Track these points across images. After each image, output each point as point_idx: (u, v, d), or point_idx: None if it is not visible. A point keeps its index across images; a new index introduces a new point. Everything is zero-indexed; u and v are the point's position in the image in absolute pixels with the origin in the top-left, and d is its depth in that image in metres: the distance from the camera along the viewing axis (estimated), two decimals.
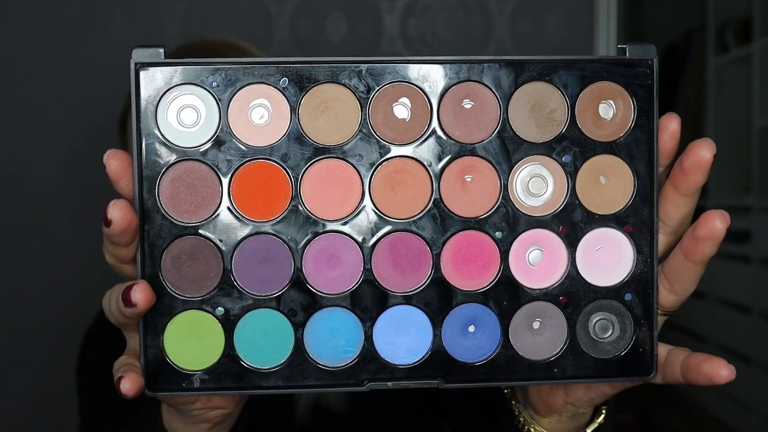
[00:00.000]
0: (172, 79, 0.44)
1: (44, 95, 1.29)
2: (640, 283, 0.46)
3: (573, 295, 0.46)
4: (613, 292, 0.46)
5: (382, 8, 1.10)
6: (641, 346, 0.46)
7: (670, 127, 0.45)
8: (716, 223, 0.43)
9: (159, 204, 0.44)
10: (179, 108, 0.44)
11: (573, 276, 0.46)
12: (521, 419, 0.55)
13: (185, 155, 0.44)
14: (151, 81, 0.44)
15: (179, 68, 0.44)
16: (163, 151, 0.44)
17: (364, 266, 0.45)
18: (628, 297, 0.46)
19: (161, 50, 0.44)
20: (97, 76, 1.11)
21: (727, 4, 2.74)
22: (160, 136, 0.44)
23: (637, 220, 0.46)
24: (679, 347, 0.48)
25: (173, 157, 0.44)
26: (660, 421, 2.70)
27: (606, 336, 0.46)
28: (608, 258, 0.46)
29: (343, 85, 0.44)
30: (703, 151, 0.43)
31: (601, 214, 0.46)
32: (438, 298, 0.45)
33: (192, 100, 0.44)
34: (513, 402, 0.56)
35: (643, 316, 0.46)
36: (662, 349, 0.48)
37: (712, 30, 2.78)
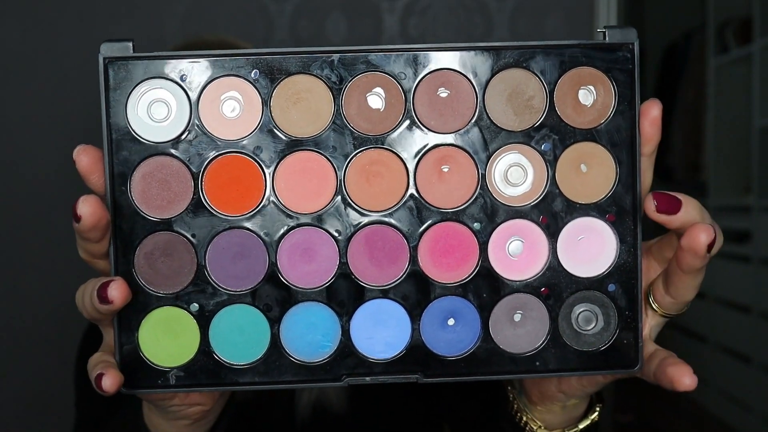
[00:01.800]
0: (141, 74, 0.41)
1: (45, 94, 1.28)
2: (624, 274, 0.43)
3: (555, 286, 0.43)
4: (596, 283, 0.43)
5: (382, 8, 1.08)
6: (626, 338, 0.43)
7: (651, 113, 0.42)
8: (701, 236, 0.40)
9: (131, 200, 0.42)
10: (149, 102, 0.42)
11: (554, 267, 0.43)
12: (515, 406, 0.52)
13: (157, 150, 0.42)
14: (120, 76, 0.41)
15: (148, 62, 0.41)
16: (134, 146, 0.42)
17: (339, 260, 0.43)
18: (611, 288, 0.43)
19: (129, 44, 0.41)
20: (98, 75, 1.09)
21: (727, 4, 2.69)
22: (131, 131, 0.42)
23: (619, 209, 0.43)
24: (666, 350, 0.45)
25: (145, 153, 0.42)
26: (660, 421, 2.64)
27: (589, 328, 0.44)
28: (590, 248, 0.43)
29: (315, 75, 0.42)
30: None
31: (583, 203, 0.43)
32: (416, 292, 0.43)
33: (162, 94, 0.42)
34: (509, 388, 0.53)
35: (628, 307, 0.43)
36: (650, 346, 0.45)
37: (712, 30, 2.73)
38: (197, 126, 0.42)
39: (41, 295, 1.33)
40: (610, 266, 0.43)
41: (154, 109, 0.42)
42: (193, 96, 0.41)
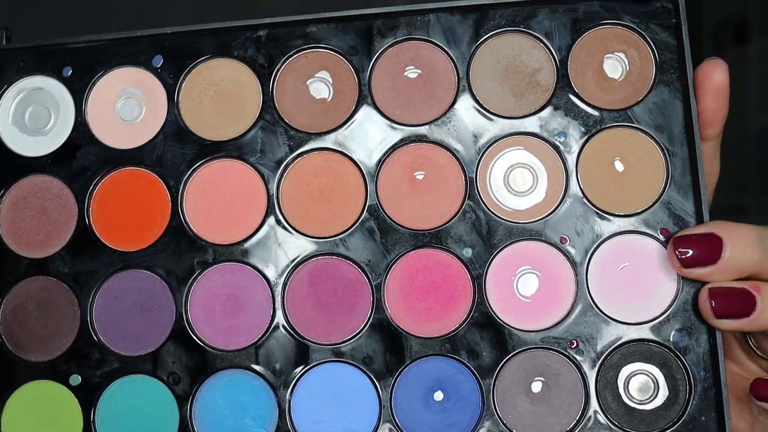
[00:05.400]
0: (14, 70, 0.32)
1: None
2: (694, 315, 0.29)
3: (589, 339, 0.30)
4: (652, 332, 0.30)
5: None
6: (704, 413, 0.29)
7: (713, 78, 0.29)
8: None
9: None
10: (26, 106, 0.32)
11: (586, 309, 0.30)
12: None
13: (31, 168, 0.32)
14: None
15: (22, 55, 0.32)
16: (2, 163, 0.32)
17: (273, 308, 0.31)
18: (676, 337, 0.29)
19: (2, 34, 0.33)
20: None
21: (723, 4, 2.63)
22: (1, 144, 0.32)
23: (676, 220, 0.30)
24: None
25: (16, 171, 0.32)
26: None
27: (646, 398, 0.29)
28: (639, 279, 0.30)
29: (237, 58, 0.32)
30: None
31: (622, 214, 0.30)
32: (384, 351, 0.30)
33: (41, 96, 0.32)
34: None
35: (703, 365, 0.29)
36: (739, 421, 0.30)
37: (707, 31, 2.66)
38: (83, 133, 0.32)
39: None
40: (670, 305, 0.29)
41: (31, 115, 0.32)
42: (80, 95, 0.32)
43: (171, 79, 0.31)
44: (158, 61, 0.31)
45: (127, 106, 0.31)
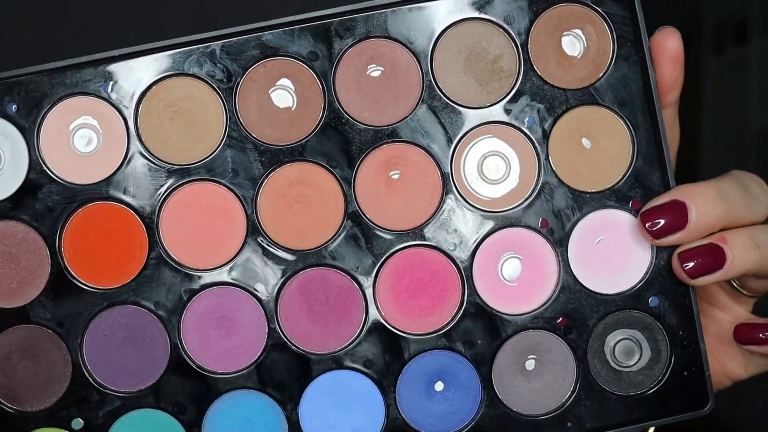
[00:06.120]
0: None
1: None
2: (668, 279, 0.31)
3: (575, 313, 0.31)
4: (631, 300, 0.31)
5: None
6: (686, 368, 0.31)
7: (667, 46, 0.30)
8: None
9: None
10: None
11: (569, 286, 0.31)
12: None
13: None
14: None
15: None
16: None
17: (268, 326, 0.31)
18: (654, 302, 0.31)
19: None
20: None
21: (723, 5, 2.65)
22: None
23: (645, 191, 0.31)
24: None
25: None
26: None
27: (632, 362, 0.31)
28: (615, 252, 0.31)
29: (193, 76, 0.30)
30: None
31: (594, 191, 0.31)
32: (382, 352, 0.31)
33: None
34: None
35: (681, 324, 0.31)
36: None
37: (707, 31, 2.69)
38: (41, 171, 0.30)
39: None
40: (646, 273, 0.31)
41: None
42: (30, 131, 0.30)
43: (126, 104, 0.30)
44: (109, 87, 0.30)
45: (82, 137, 0.30)
